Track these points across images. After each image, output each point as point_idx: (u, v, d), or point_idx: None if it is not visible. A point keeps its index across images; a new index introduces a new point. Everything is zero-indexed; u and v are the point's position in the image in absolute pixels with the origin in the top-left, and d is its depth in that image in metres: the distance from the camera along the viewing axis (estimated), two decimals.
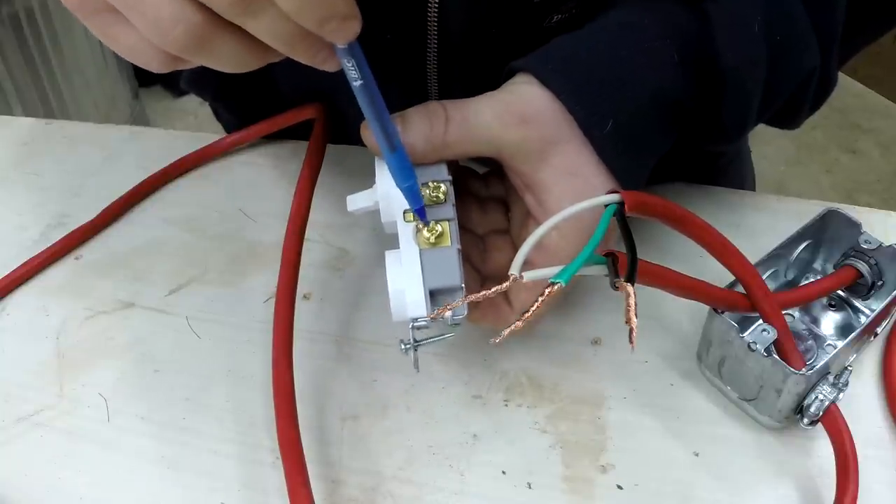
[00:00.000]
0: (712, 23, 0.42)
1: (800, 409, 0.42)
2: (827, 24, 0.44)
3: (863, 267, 0.46)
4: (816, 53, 0.45)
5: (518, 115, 0.40)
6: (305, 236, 0.49)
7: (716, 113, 0.43)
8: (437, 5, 0.47)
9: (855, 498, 0.39)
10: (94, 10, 0.33)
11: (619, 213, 0.36)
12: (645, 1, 0.43)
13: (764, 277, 0.44)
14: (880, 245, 0.45)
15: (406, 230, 0.39)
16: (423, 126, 0.39)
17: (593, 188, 0.40)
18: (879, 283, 0.46)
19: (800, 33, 0.44)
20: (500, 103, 0.40)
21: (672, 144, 0.44)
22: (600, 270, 0.35)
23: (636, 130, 0.42)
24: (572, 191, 0.40)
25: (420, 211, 0.39)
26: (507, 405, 0.45)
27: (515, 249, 0.42)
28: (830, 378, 0.41)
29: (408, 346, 0.40)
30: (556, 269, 0.34)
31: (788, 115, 0.48)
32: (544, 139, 0.40)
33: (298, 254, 0.48)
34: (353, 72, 0.35)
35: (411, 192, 0.39)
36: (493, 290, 0.34)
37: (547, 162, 0.40)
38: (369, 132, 0.39)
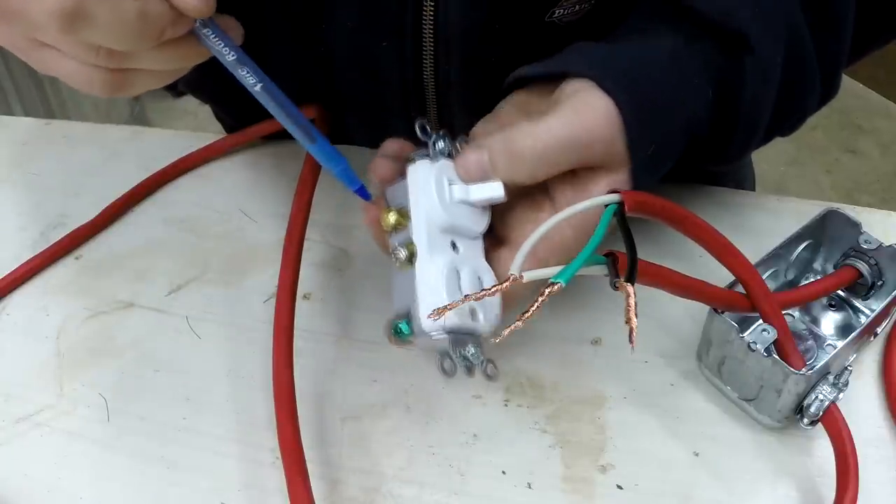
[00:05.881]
0: (746, 74, 0.43)
1: (800, 409, 0.42)
2: (833, 54, 0.46)
3: (863, 267, 0.46)
4: (817, 94, 0.47)
5: (587, 132, 0.39)
6: (305, 236, 0.49)
7: (724, 145, 0.45)
8: (432, 8, 0.47)
9: (855, 498, 0.39)
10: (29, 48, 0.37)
11: (620, 213, 0.36)
12: (683, 33, 0.43)
13: (764, 277, 0.44)
14: (880, 245, 0.45)
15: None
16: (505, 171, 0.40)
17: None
18: (879, 283, 0.46)
19: (807, 78, 0.45)
20: (571, 126, 0.39)
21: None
22: (600, 270, 0.35)
23: (663, 157, 0.43)
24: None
25: (361, 190, 0.41)
26: (507, 405, 0.45)
27: None
28: (830, 378, 0.41)
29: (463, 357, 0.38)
30: (556, 269, 0.34)
31: (784, 133, 0.49)
32: (602, 157, 0.40)
33: (298, 254, 0.48)
34: (251, 79, 0.37)
35: (346, 174, 0.40)
36: (493, 289, 0.34)
37: (602, 173, 0.41)
38: (369, 214, 0.41)
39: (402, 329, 0.39)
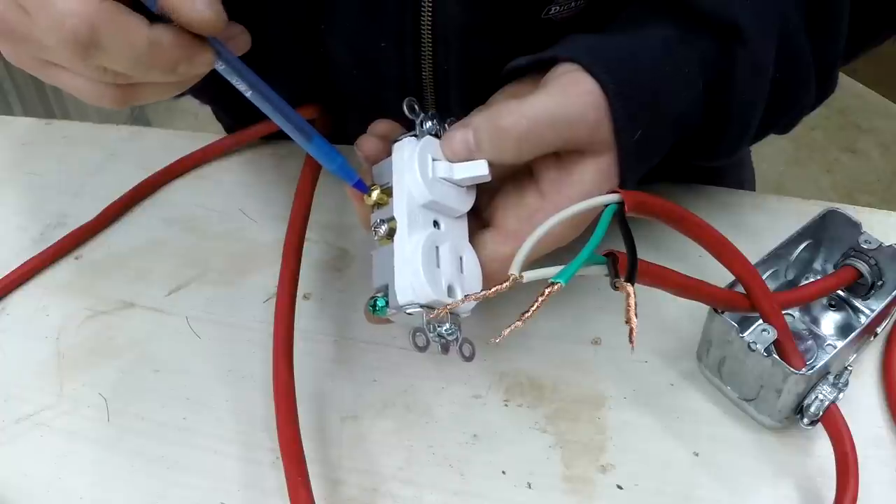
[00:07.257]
0: (737, 66, 0.43)
1: (800, 409, 0.42)
2: (829, 51, 0.46)
3: (863, 267, 0.46)
4: (813, 91, 0.46)
5: (573, 110, 0.39)
6: (305, 236, 0.49)
7: (717, 138, 0.45)
8: (430, 8, 0.47)
9: (855, 498, 0.39)
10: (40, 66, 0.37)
11: (619, 213, 0.36)
12: (677, 24, 0.43)
13: (764, 277, 0.44)
14: (880, 245, 0.45)
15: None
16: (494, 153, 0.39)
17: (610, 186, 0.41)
18: (879, 283, 0.46)
19: (802, 75, 0.45)
20: (557, 104, 0.39)
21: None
22: (600, 270, 0.35)
23: (652, 145, 0.42)
24: (597, 185, 0.40)
25: (359, 184, 0.40)
26: (507, 405, 0.45)
27: None
28: (830, 378, 0.41)
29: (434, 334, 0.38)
30: (556, 269, 0.34)
31: (780, 130, 0.49)
32: (588, 139, 0.40)
33: (298, 254, 0.48)
34: (242, 84, 0.37)
35: (344, 170, 0.40)
36: (493, 289, 0.34)
37: (587, 156, 0.40)
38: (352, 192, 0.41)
39: (378, 304, 0.39)
